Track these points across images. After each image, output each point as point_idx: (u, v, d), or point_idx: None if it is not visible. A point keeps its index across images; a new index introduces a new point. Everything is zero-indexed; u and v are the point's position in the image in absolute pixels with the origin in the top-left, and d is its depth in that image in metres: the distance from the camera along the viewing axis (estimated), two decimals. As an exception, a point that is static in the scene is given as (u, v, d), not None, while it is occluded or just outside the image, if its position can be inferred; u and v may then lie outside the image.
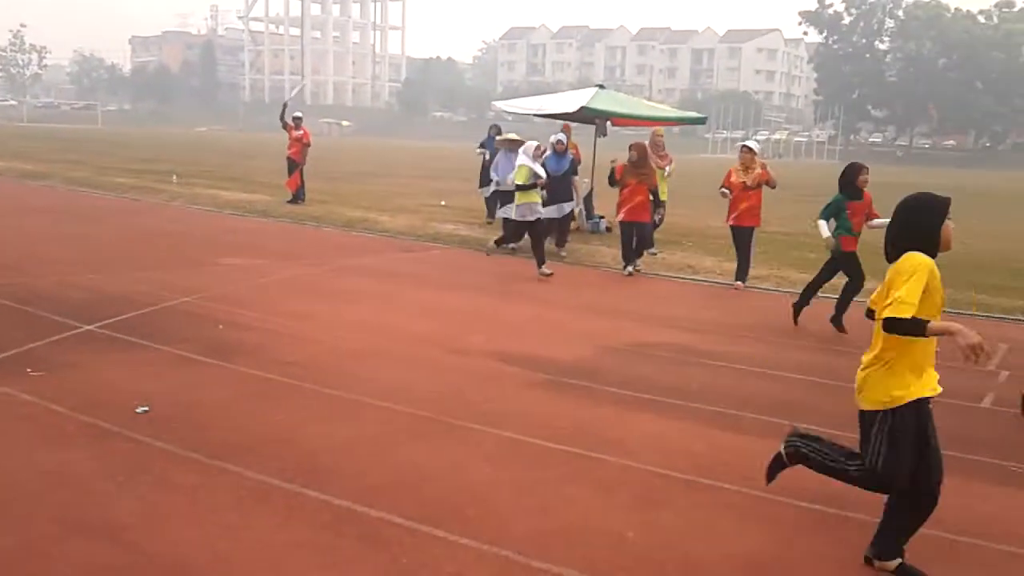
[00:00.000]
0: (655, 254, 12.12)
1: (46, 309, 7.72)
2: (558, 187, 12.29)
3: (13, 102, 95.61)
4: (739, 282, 10.85)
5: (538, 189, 11.41)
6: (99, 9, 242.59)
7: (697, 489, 4.64)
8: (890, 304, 3.46)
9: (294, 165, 18.24)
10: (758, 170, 10.56)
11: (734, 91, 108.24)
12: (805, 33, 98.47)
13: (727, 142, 79.90)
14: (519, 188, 11.25)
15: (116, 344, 6.84)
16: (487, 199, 15.62)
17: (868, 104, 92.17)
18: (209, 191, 19.89)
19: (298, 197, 18.10)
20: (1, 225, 13.44)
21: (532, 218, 11.32)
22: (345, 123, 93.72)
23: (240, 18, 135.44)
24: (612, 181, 11.66)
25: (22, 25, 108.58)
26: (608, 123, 16.02)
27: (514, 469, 4.80)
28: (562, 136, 12.60)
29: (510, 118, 27.28)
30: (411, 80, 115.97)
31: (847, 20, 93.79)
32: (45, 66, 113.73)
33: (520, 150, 11.59)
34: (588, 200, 15.86)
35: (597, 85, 17.40)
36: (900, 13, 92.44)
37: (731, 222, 10.71)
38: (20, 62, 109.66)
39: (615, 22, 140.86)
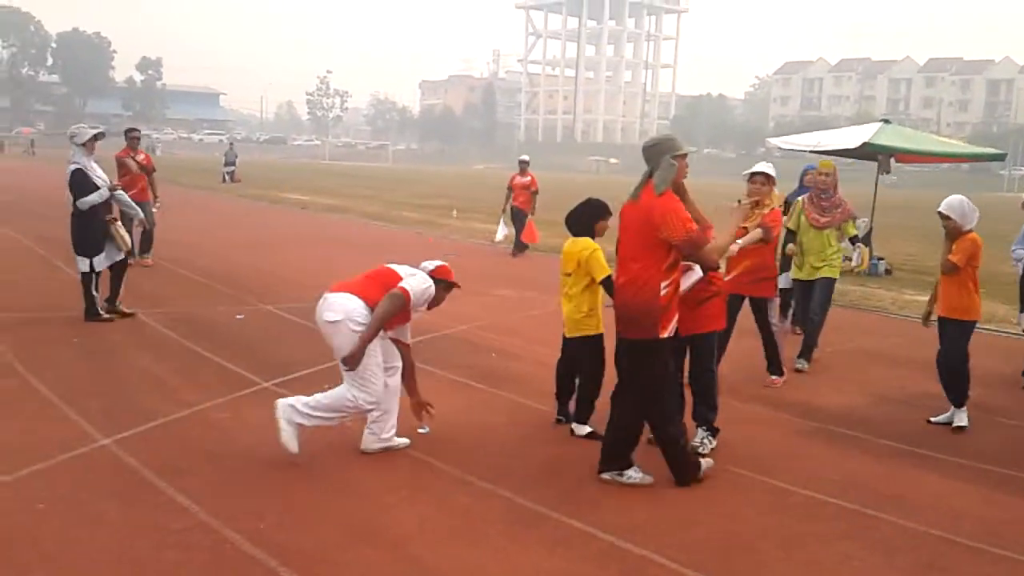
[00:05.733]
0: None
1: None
2: None
3: (317, 142, 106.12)
4: (774, 377, 7.38)
5: None
6: (395, 56, 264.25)
7: (989, 559, 4.24)
8: None
9: (523, 216, 15.96)
10: (767, 209, 6.83)
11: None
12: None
13: (1024, 180, 72.70)
14: None
15: (401, 367, 7.36)
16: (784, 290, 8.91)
17: None
18: (484, 226, 20.92)
19: (516, 246, 16.07)
20: (307, 254, 14.94)
21: None
22: (612, 160, 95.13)
23: (519, 61, 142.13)
24: None
25: (328, 71, 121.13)
26: (892, 160, 15.15)
27: (783, 520, 4.63)
28: None
29: (779, 154, 26.52)
30: (680, 117, 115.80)
31: None
32: (346, 109, 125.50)
33: None
34: (867, 240, 15.05)
35: (882, 119, 16.54)
36: None
37: (730, 287, 6.70)
38: (325, 105, 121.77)
39: (900, 53, 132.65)
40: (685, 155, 4.88)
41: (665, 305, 4.79)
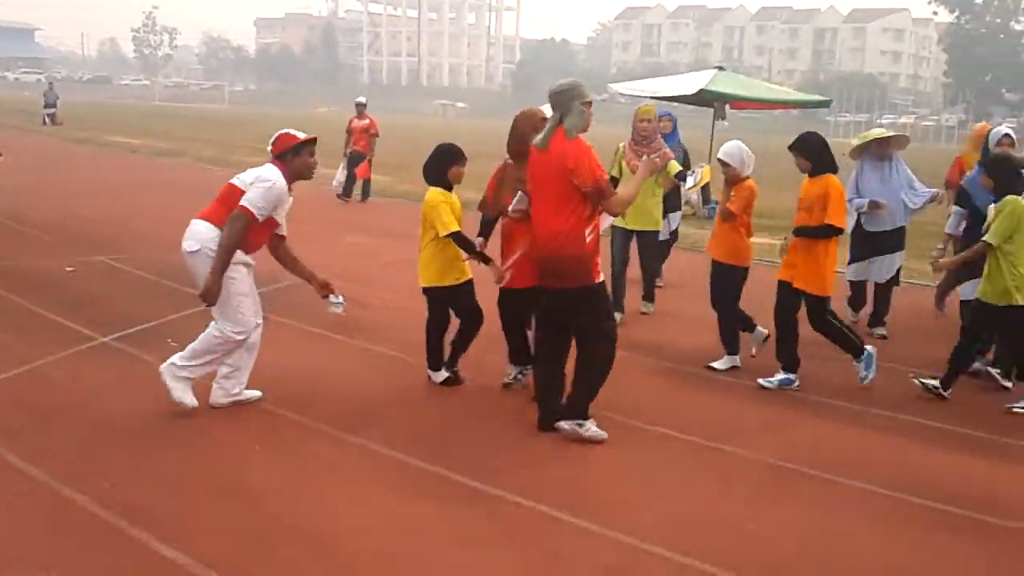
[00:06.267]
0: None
1: (185, 283, 8.11)
2: None
3: (146, 82, 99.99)
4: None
5: None
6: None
7: (819, 484, 4.57)
8: None
9: (361, 158, 15.74)
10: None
11: (858, 73, 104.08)
12: (935, 12, 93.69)
13: (850, 126, 77.23)
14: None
15: (249, 318, 7.14)
16: None
17: (1002, 88, 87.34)
18: (330, 171, 20.40)
19: (363, 193, 15.99)
20: (140, 201, 14.18)
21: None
22: (460, 105, 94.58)
23: (359, 0, 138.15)
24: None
25: (154, 7, 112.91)
26: (727, 106, 15.73)
27: (635, 456, 4.83)
28: None
29: (624, 100, 27.06)
30: (525, 62, 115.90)
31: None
32: (175, 47, 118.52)
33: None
34: (706, 186, 15.63)
35: (716, 66, 17.10)
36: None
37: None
38: (152, 43, 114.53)
39: (734, 1, 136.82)
40: (591, 102, 4.85)
41: (593, 251, 4.82)
